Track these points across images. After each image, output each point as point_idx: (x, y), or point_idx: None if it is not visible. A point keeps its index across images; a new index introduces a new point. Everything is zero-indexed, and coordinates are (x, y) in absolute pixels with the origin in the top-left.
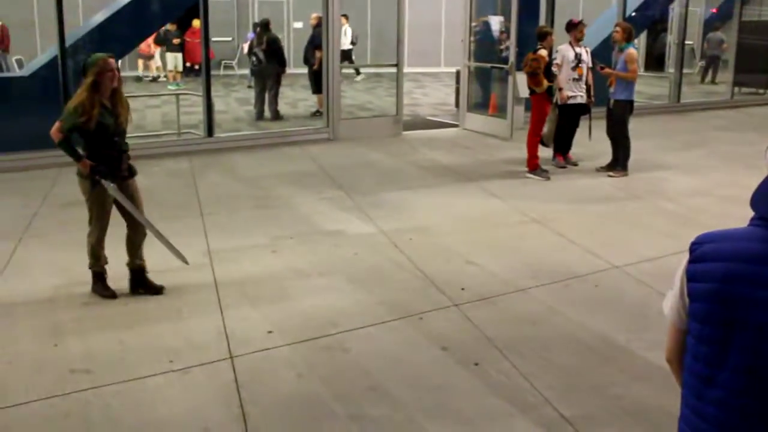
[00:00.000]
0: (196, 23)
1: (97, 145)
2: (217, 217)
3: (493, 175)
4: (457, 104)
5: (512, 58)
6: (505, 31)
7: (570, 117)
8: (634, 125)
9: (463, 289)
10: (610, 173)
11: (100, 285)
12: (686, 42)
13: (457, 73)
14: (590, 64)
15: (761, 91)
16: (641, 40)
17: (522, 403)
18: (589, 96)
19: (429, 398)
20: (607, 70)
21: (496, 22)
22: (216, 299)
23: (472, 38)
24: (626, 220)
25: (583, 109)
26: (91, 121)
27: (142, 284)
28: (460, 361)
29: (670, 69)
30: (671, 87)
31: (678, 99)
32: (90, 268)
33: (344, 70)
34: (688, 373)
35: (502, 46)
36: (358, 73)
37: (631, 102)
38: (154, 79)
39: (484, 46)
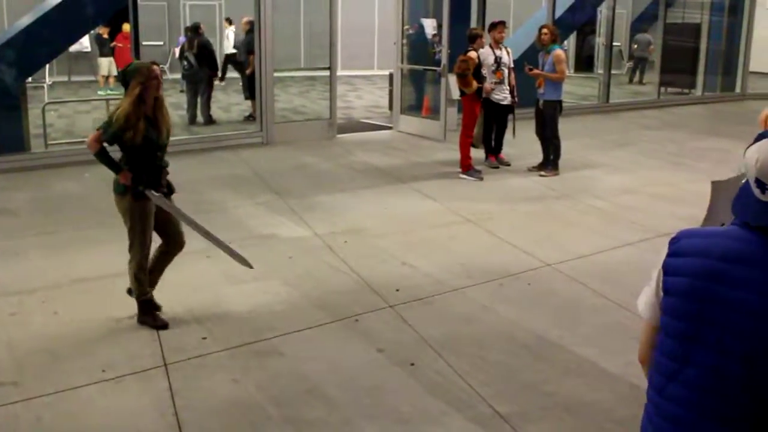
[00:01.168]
0: (127, 27)
1: (138, 160)
2: None
3: (427, 177)
4: (390, 107)
5: (444, 61)
6: (438, 33)
7: (496, 118)
8: (564, 125)
9: (398, 290)
10: (542, 173)
11: (151, 315)
12: (614, 43)
13: (390, 75)
14: (511, 65)
15: (686, 91)
16: (570, 41)
17: (457, 401)
18: (513, 96)
19: (366, 399)
20: (535, 71)
21: (428, 25)
22: None
23: (404, 41)
24: (558, 218)
25: (508, 110)
26: (137, 135)
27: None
28: (396, 361)
29: (599, 70)
30: (600, 87)
31: (607, 99)
32: (136, 298)
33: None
34: (654, 369)
35: (435, 49)
36: (222, 79)
37: (561, 102)
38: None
39: (417, 48)
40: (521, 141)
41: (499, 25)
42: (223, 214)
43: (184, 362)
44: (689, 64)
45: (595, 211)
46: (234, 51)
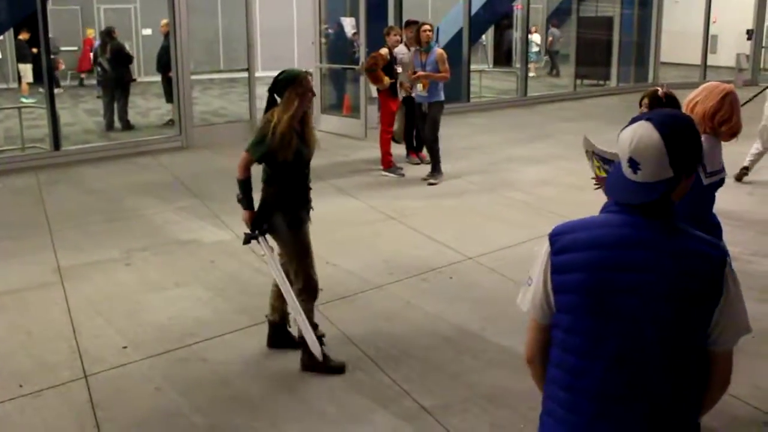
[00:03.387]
0: (91, 32)
1: (288, 178)
2: (66, 233)
3: (349, 175)
4: None
5: (362, 59)
6: (356, 32)
7: (417, 115)
8: (485, 119)
9: (321, 289)
10: (431, 181)
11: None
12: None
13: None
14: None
15: (602, 82)
16: (488, 36)
17: (382, 397)
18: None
19: (291, 402)
20: (419, 73)
21: (347, 24)
22: (68, 318)
23: (323, 40)
24: (479, 212)
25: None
26: (290, 152)
27: (283, 339)
28: None
29: (517, 64)
30: (518, 81)
31: (525, 93)
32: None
33: None
34: (555, 367)
35: (354, 48)
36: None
37: (443, 102)
38: None
39: (336, 47)
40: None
41: (411, 25)
42: (143, 220)
43: (104, 373)
44: (604, 57)
45: (516, 204)
46: (53, 57)
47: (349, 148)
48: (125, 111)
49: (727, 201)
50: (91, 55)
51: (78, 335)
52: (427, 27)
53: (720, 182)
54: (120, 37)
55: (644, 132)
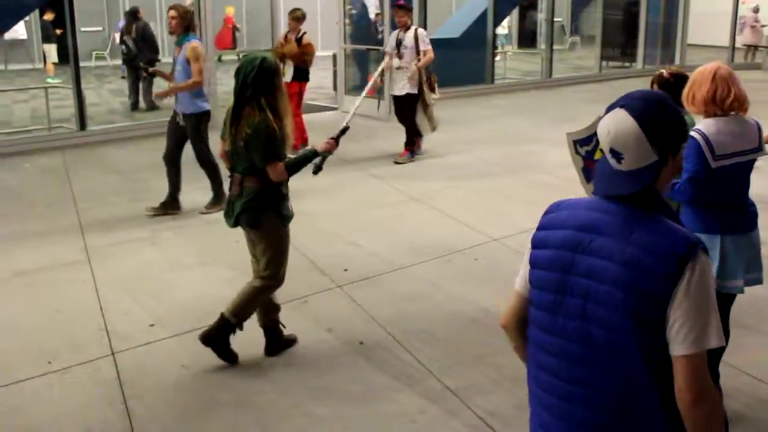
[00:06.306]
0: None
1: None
2: (93, 212)
3: (373, 156)
4: (335, 87)
5: (386, 39)
6: (380, 12)
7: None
8: (509, 101)
9: (346, 270)
10: (204, 209)
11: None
12: (556, 19)
13: (334, 56)
14: (423, 48)
15: (627, 64)
16: (513, 17)
17: (407, 377)
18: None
19: (315, 380)
20: (161, 91)
21: (370, 4)
22: (95, 296)
23: (347, 21)
24: (503, 194)
25: (403, 100)
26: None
27: (277, 344)
28: (345, 341)
29: (542, 45)
30: (543, 63)
31: (550, 74)
32: (239, 321)
33: None
34: (531, 342)
35: (378, 28)
36: None
37: (207, 113)
38: None
39: (360, 28)
40: (465, 122)
41: (393, 8)
42: None
43: (132, 350)
44: (629, 38)
45: (540, 186)
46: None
47: (372, 129)
48: (150, 91)
49: (755, 183)
50: (116, 35)
51: (105, 313)
52: (171, 14)
53: (747, 164)
54: (145, 16)
55: (619, 120)
